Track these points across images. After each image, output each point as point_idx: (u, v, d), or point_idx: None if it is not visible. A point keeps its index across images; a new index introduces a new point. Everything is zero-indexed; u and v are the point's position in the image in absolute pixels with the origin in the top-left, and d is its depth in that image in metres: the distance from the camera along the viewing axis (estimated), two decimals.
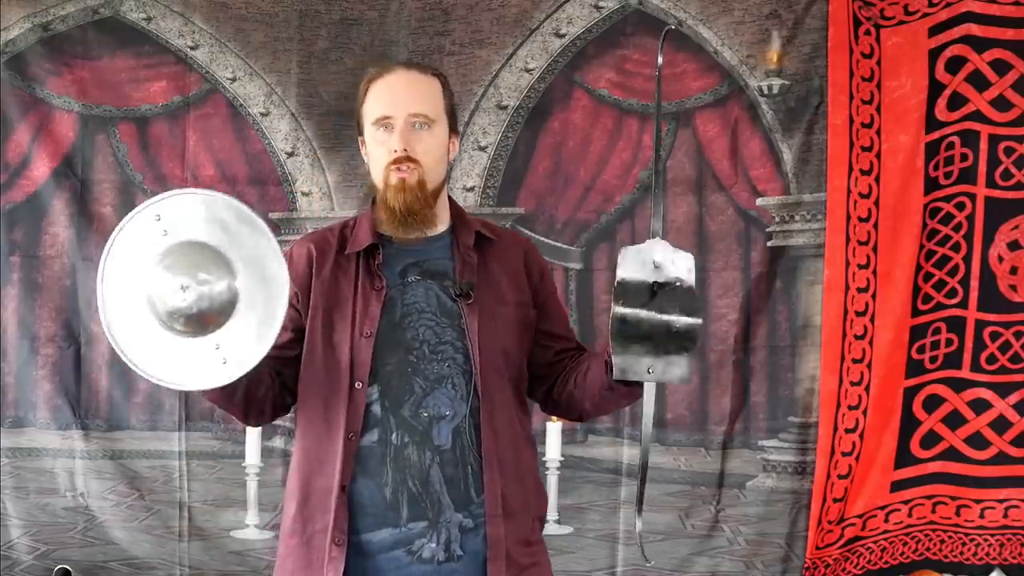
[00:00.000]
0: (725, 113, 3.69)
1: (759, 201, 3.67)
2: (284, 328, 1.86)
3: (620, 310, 1.76)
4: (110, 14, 3.85)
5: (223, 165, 3.86)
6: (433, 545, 1.93)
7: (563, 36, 3.76)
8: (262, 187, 3.87)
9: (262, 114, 3.85)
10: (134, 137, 3.88)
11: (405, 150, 1.96)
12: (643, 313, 1.75)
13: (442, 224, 2.06)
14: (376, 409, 1.95)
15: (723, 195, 3.70)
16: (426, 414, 1.94)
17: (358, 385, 1.94)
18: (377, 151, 2.00)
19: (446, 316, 1.98)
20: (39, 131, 3.84)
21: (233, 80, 3.85)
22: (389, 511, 1.93)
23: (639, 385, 1.84)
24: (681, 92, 3.71)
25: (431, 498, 1.93)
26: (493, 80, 3.74)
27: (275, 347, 1.82)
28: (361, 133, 2.05)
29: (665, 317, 1.75)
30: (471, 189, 3.81)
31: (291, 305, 1.89)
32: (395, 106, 1.98)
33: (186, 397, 3.83)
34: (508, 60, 3.75)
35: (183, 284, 1.77)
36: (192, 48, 3.85)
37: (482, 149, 3.77)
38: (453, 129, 2.06)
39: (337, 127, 3.82)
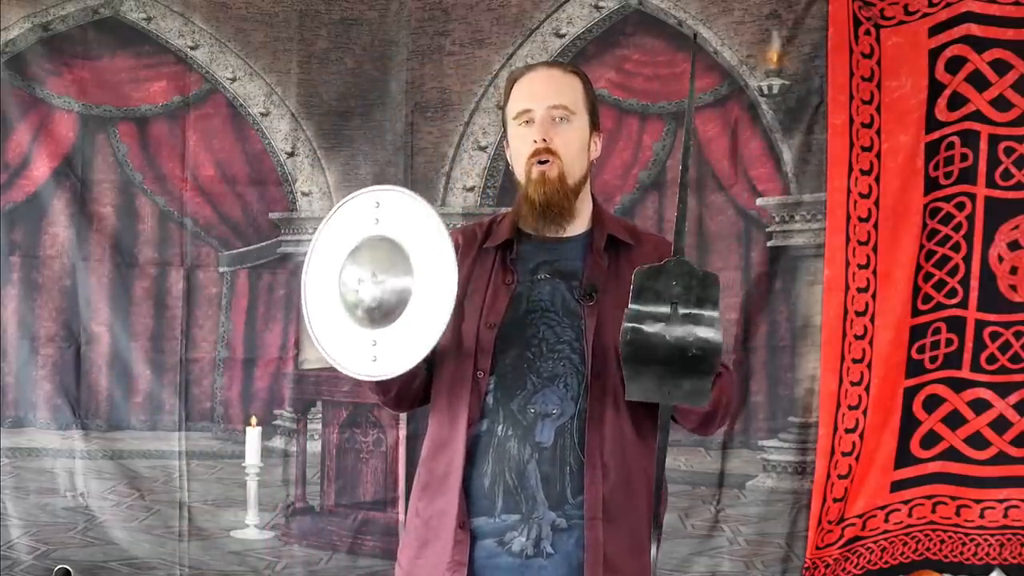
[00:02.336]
0: (725, 113, 3.69)
1: (759, 201, 3.67)
2: None
3: (631, 333, 1.76)
4: (110, 14, 3.85)
5: (223, 165, 3.86)
6: (523, 539, 1.95)
7: (563, 36, 3.76)
8: (262, 187, 3.87)
9: (262, 114, 3.85)
10: (134, 137, 3.88)
11: (544, 140, 1.99)
12: (656, 337, 1.75)
13: (581, 224, 2.07)
14: (490, 399, 1.98)
15: (723, 195, 3.70)
16: (533, 410, 1.97)
17: (480, 374, 1.98)
18: (519, 145, 2.04)
19: (568, 316, 2.00)
20: (39, 131, 3.84)
21: (233, 80, 3.85)
22: (485, 500, 1.97)
23: None
24: (681, 92, 3.70)
25: (526, 493, 1.95)
26: (493, 80, 3.74)
27: None
28: (506, 136, 2.09)
29: (682, 341, 1.75)
30: (471, 189, 3.80)
31: None
32: (535, 99, 2.01)
33: (186, 397, 3.84)
34: (508, 60, 3.75)
35: (360, 277, 1.88)
36: (192, 48, 3.85)
37: (482, 149, 3.77)
38: (595, 127, 2.06)
39: (337, 127, 3.83)
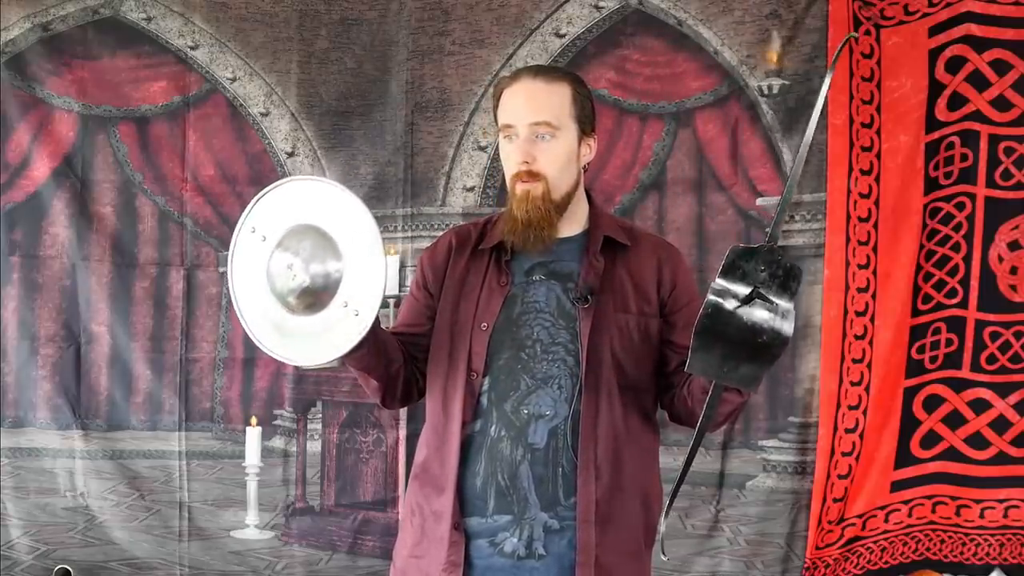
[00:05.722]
0: (725, 113, 3.69)
1: (759, 201, 3.67)
2: (421, 316, 2.05)
3: (712, 307, 1.74)
4: (110, 14, 3.85)
5: (223, 165, 3.86)
6: (515, 540, 1.96)
7: (563, 36, 3.76)
8: (262, 187, 3.83)
9: (262, 114, 3.85)
10: (134, 137, 3.88)
11: (526, 162, 1.98)
12: (735, 316, 1.74)
13: (578, 225, 2.07)
14: (484, 400, 1.99)
15: (723, 195, 3.70)
16: (526, 411, 1.97)
17: (473, 375, 1.98)
18: (505, 159, 2.03)
19: (563, 318, 2.00)
20: (39, 131, 3.84)
21: (233, 80, 3.85)
22: (478, 500, 1.98)
23: (736, 392, 1.85)
24: (681, 92, 3.71)
25: (518, 494, 1.96)
26: (493, 80, 3.73)
27: (412, 334, 1.93)
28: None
29: (757, 326, 1.74)
30: (471, 189, 3.80)
31: (428, 293, 2.07)
32: (517, 115, 1.99)
33: (186, 397, 3.84)
34: (508, 60, 3.75)
35: (288, 263, 1.88)
36: (192, 48, 3.85)
37: (482, 149, 3.77)
38: (587, 131, 2.04)
39: (337, 127, 3.83)
